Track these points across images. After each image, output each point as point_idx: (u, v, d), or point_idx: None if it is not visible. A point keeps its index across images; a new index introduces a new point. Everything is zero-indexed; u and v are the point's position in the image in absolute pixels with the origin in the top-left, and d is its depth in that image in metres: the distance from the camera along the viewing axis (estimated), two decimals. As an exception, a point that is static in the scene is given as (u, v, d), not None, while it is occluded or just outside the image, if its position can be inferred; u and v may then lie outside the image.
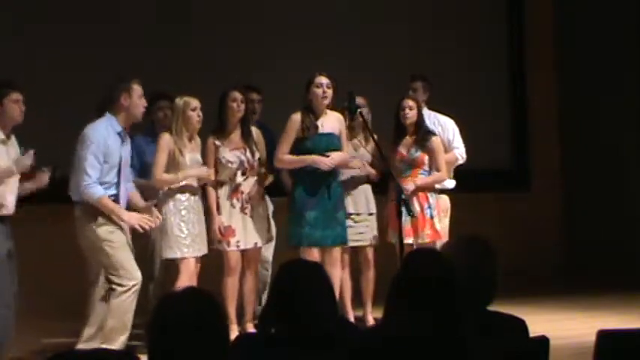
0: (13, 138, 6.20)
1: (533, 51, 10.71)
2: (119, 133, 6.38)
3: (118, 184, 6.40)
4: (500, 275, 3.46)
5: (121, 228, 6.36)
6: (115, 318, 6.28)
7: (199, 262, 6.90)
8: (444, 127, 7.79)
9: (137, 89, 6.42)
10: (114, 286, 6.29)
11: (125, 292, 6.28)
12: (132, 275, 6.31)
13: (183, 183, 6.84)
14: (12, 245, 6.11)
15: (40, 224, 8.06)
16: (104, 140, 6.31)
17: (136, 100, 6.41)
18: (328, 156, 7.03)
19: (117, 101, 6.39)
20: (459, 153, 7.80)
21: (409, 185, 7.23)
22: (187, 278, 6.73)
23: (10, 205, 6.11)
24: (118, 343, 6.22)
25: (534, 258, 10.03)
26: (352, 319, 7.07)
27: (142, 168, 7.13)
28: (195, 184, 6.92)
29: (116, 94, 6.39)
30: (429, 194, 7.34)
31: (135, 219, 6.40)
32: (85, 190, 6.25)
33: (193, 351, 2.60)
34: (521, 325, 3.44)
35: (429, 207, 7.31)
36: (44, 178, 6.32)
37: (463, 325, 3.03)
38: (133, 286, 6.31)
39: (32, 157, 6.12)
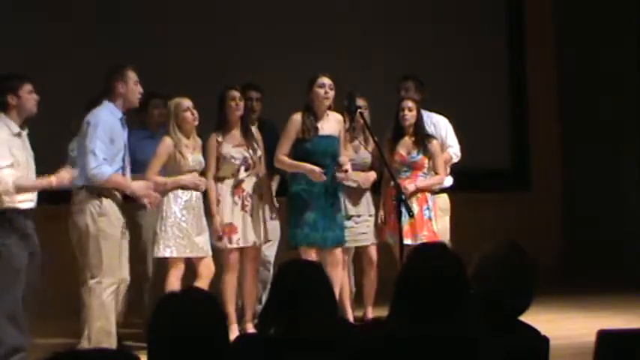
0: (24, 134, 6.16)
1: (533, 51, 10.70)
2: (120, 119, 6.43)
3: (123, 169, 6.44)
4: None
5: (119, 226, 6.36)
6: (100, 319, 6.26)
7: (198, 261, 6.89)
8: (437, 126, 7.73)
9: (132, 75, 6.46)
10: (92, 284, 6.26)
11: (105, 290, 6.26)
12: (113, 273, 6.29)
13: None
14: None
15: (38, 225, 8.03)
16: (109, 124, 6.34)
17: (132, 86, 6.45)
18: (325, 163, 7.00)
19: (114, 89, 6.42)
20: (453, 152, 7.77)
21: (410, 186, 7.24)
22: (175, 279, 6.72)
23: (34, 198, 6.16)
24: (108, 343, 6.19)
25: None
26: (351, 320, 7.06)
27: (133, 164, 7.10)
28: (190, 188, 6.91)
29: (112, 82, 6.42)
30: (427, 195, 7.36)
31: (144, 188, 6.48)
32: (93, 172, 6.24)
33: (193, 351, 2.59)
34: (543, 342, 3.41)
35: (428, 208, 7.33)
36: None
37: (472, 324, 3.02)
38: (112, 284, 6.29)
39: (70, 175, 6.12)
